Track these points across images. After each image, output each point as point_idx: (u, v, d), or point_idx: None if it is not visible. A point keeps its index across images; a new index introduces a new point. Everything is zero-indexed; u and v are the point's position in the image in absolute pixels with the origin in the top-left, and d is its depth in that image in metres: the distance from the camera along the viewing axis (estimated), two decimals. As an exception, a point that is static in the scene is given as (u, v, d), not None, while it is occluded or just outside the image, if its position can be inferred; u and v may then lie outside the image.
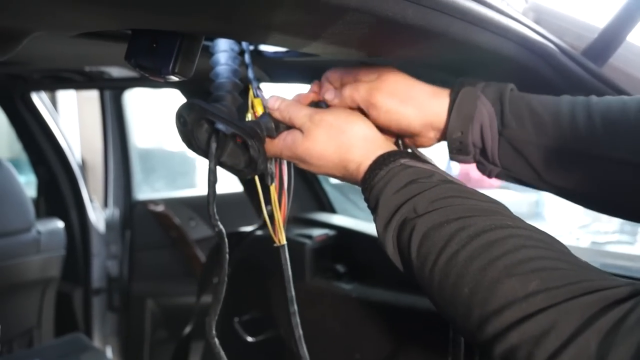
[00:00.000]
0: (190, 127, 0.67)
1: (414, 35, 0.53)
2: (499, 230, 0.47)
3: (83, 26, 0.55)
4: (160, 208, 2.39)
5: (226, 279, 0.66)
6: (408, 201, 0.54)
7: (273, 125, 0.68)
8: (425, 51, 0.64)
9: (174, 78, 0.61)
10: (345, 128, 0.65)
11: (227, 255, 0.66)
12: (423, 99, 0.67)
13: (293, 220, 1.53)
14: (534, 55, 0.68)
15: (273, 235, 0.73)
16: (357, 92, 0.68)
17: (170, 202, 2.44)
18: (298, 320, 0.75)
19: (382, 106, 0.66)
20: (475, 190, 0.55)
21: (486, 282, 0.43)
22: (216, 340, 0.65)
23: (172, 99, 3.33)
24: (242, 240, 1.49)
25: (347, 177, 0.65)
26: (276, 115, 0.69)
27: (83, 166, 2.50)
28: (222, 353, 0.67)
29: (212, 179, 0.66)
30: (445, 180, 0.56)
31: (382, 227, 0.56)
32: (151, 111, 3.60)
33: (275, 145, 0.68)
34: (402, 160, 0.59)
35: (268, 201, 0.74)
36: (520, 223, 0.50)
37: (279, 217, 0.72)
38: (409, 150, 0.71)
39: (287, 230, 1.42)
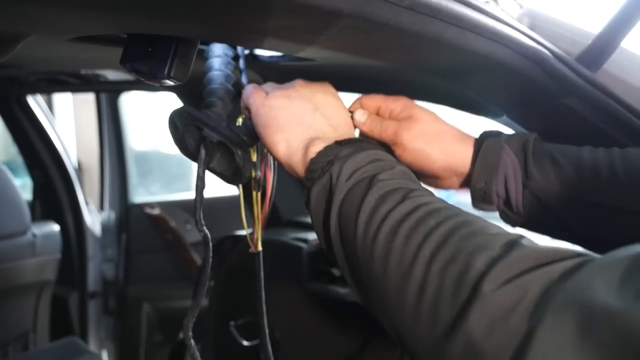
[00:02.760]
0: (181, 132, 0.67)
1: (409, 40, 0.54)
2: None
3: (78, 30, 0.55)
4: (156, 211, 2.39)
5: (208, 282, 0.66)
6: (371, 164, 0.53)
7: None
8: (420, 56, 0.65)
9: (170, 82, 0.61)
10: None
11: (211, 260, 0.66)
12: (449, 144, 0.67)
13: (289, 224, 1.53)
14: (528, 61, 0.68)
15: (250, 242, 0.74)
16: (385, 129, 0.68)
17: (166, 205, 2.44)
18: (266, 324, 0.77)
19: (407, 146, 0.67)
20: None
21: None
22: (192, 341, 0.66)
23: (168, 102, 3.33)
24: (238, 244, 1.49)
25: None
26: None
27: (79, 169, 2.50)
28: (197, 354, 0.68)
29: (200, 185, 0.67)
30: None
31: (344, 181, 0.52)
32: (147, 114, 3.60)
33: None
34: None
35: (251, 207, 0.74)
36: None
37: (259, 224, 0.73)
38: None
39: (282, 234, 1.42)
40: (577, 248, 0.65)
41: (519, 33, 0.66)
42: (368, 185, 0.50)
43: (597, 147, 0.66)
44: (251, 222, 0.75)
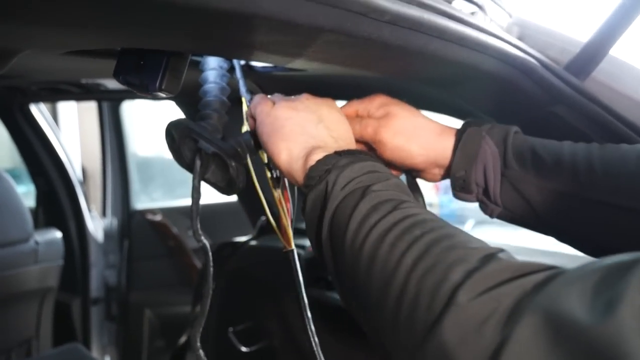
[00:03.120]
0: (178, 143, 0.68)
1: (393, 53, 0.55)
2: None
3: (71, 45, 0.57)
4: (158, 217, 2.41)
5: (211, 292, 0.67)
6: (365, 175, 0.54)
7: (253, 143, 0.70)
8: (407, 67, 0.66)
9: (162, 95, 0.62)
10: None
11: (212, 269, 0.67)
12: (428, 138, 0.69)
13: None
14: (516, 70, 0.69)
15: (282, 240, 0.75)
16: (364, 129, 0.70)
17: (168, 212, 2.45)
18: (313, 327, 0.76)
19: (387, 143, 0.68)
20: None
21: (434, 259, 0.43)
22: (201, 352, 0.66)
23: (170, 108, 3.36)
24: (237, 251, 1.49)
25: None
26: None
27: (84, 175, 2.52)
28: None
29: (196, 196, 0.68)
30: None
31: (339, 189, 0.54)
32: (150, 120, 3.62)
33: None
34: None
35: (261, 212, 0.75)
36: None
37: (288, 221, 0.73)
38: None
39: (278, 241, 1.43)
40: (553, 248, 0.65)
41: (504, 43, 0.67)
42: (361, 195, 0.51)
43: None
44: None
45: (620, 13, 0.70)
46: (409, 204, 0.50)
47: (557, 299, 0.33)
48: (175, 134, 0.69)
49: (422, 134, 0.69)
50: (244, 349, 1.42)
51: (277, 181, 0.73)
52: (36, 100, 1.99)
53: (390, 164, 0.71)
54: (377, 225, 0.48)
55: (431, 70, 0.69)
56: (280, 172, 0.65)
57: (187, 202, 2.82)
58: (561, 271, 0.37)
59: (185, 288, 2.35)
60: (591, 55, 0.75)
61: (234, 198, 2.12)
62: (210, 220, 2.48)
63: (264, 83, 1.05)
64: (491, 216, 0.69)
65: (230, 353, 1.43)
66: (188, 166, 0.71)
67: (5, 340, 1.92)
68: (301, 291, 0.76)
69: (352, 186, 0.52)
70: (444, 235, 0.45)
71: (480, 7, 0.72)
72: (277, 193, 0.73)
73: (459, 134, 0.68)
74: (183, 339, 1.75)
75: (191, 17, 0.39)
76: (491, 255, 0.41)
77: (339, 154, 0.57)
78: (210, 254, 0.67)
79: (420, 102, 0.92)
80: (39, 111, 2.12)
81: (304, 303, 0.76)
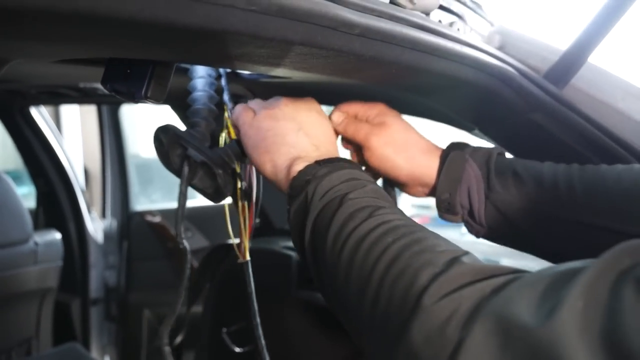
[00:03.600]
0: (166, 149, 0.70)
1: (368, 63, 0.56)
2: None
3: (58, 55, 0.59)
4: (157, 219, 2.43)
5: (184, 292, 0.69)
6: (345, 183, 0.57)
7: (241, 152, 0.71)
8: (384, 76, 0.67)
9: (147, 102, 0.64)
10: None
11: (189, 271, 0.69)
12: (415, 154, 0.71)
13: (279, 233, 1.56)
14: (494, 79, 0.71)
15: (237, 252, 0.77)
16: (357, 132, 0.72)
17: (167, 213, 2.47)
18: (261, 332, 0.79)
19: (375, 151, 0.70)
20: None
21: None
22: (167, 347, 0.69)
23: (169, 110, 3.37)
24: (231, 252, 1.51)
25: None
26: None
27: (86, 176, 2.54)
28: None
29: (182, 201, 0.70)
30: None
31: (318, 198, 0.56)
32: (149, 122, 3.64)
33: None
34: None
35: (254, 215, 0.77)
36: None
37: (246, 234, 0.75)
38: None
39: (273, 243, 1.45)
40: (527, 262, 0.67)
41: (482, 53, 0.68)
42: (339, 204, 0.53)
43: (564, 160, 0.69)
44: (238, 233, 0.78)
45: (599, 21, 0.71)
46: (384, 210, 0.52)
47: (509, 303, 0.35)
48: (164, 139, 0.71)
49: (410, 149, 0.71)
50: (237, 349, 1.44)
51: (246, 193, 0.74)
52: (36, 103, 2.02)
53: (374, 171, 0.73)
54: (353, 233, 0.50)
55: (409, 79, 0.70)
56: (268, 181, 0.66)
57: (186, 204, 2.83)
58: (519, 276, 0.38)
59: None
60: (570, 63, 0.76)
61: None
62: (209, 222, 2.51)
63: (254, 88, 1.07)
64: (477, 236, 0.71)
65: (224, 354, 1.45)
66: (175, 171, 0.73)
67: (6, 339, 1.94)
68: (252, 302, 0.80)
69: (330, 195, 0.55)
70: (414, 241, 0.47)
71: (459, 16, 0.74)
72: (243, 204, 0.75)
73: (444, 156, 0.70)
74: (179, 339, 1.77)
75: (166, 32, 0.41)
76: (456, 258, 0.43)
77: (318, 163, 0.59)
78: (189, 256, 0.69)
79: (404, 107, 0.94)
80: (39, 114, 2.15)
81: (254, 309, 0.81)
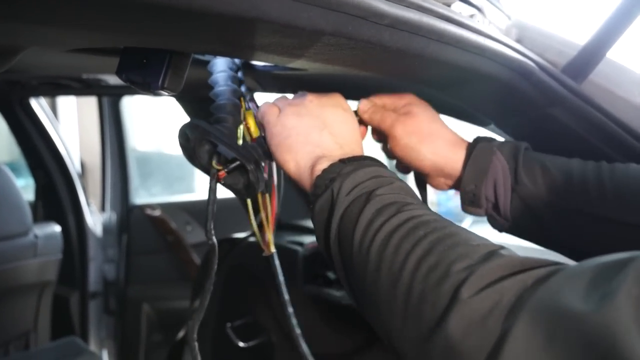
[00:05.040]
0: (193, 145, 0.69)
1: (393, 55, 0.55)
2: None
3: (74, 44, 0.57)
4: (157, 212, 2.41)
5: (212, 287, 0.68)
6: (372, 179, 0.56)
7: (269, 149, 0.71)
8: (406, 68, 0.66)
9: (164, 93, 0.63)
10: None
11: (216, 267, 0.68)
12: (441, 145, 0.70)
13: (285, 227, 1.55)
14: (513, 72, 0.70)
15: (262, 245, 0.76)
16: (384, 120, 0.72)
17: (166, 207, 2.46)
18: (295, 320, 0.78)
19: (400, 140, 0.70)
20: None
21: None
22: (196, 344, 0.68)
23: (170, 104, 3.36)
24: (235, 247, 1.50)
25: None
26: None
27: (83, 169, 2.52)
28: (199, 357, 0.70)
29: (212, 197, 0.68)
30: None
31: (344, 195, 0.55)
32: (150, 115, 3.62)
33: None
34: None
35: (256, 211, 0.76)
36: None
37: (269, 227, 0.74)
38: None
39: (278, 237, 1.44)
40: (557, 257, 0.66)
41: (502, 46, 0.67)
42: (366, 200, 0.53)
43: (582, 155, 0.68)
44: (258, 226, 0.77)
45: (618, 16, 0.71)
46: (412, 205, 0.52)
47: (555, 293, 0.35)
48: (190, 136, 0.69)
49: (435, 140, 0.70)
50: (241, 344, 1.43)
51: (267, 185, 0.73)
52: (36, 94, 1.99)
53: (398, 163, 0.73)
54: (382, 228, 0.49)
55: (430, 72, 0.69)
56: (291, 179, 0.65)
57: (185, 197, 2.82)
58: (561, 267, 0.38)
59: (183, 283, 2.36)
60: (588, 58, 0.75)
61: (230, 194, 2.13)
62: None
63: (263, 80, 1.06)
64: (500, 230, 0.70)
65: (228, 348, 1.44)
66: (203, 167, 0.71)
67: (4, 333, 1.93)
68: (283, 290, 0.80)
69: (357, 192, 0.54)
70: (446, 234, 0.46)
71: (479, 9, 0.73)
72: (261, 197, 0.74)
73: (470, 148, 0.69)
74: (181, 333, 1.76)
75: (194, 20, 0.40)
76: (493, 251, 0.43)
77: (343, 161, 0.58)
78: (217, 252, 0.68)
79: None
80: (38, 105, 2.13)
81: (285, 298, 0.81)
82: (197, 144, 0.68)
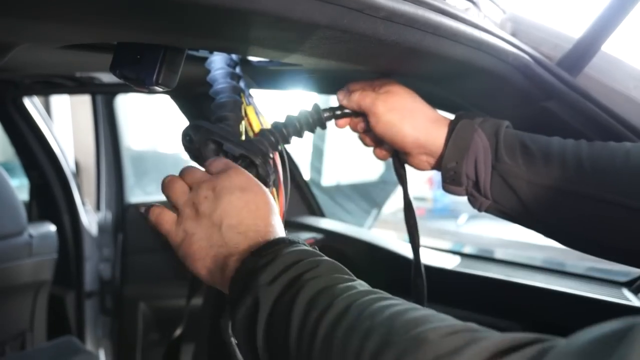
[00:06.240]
0: (197, 146, 0.69)
1: (388, 48, 0.55)
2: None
3: (68, 39, 0.57)
4: (152, 211, 2.40)
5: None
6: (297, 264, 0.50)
7: (274, 140, 0.71)
8: (401, 62, 0.66)
9: (158, 89, 0.63)
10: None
11: None
12: (422, 122, 0.70)
13: (285, 225, 1.54)
14: (509, 66, 0.70)
15: None
16: (363, 98, 0.71)
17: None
18: None
19: (381, 117, 0.70)
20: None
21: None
22: (233, 339, 0.67)
23: (164, 101, 3.35)
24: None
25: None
26: None
27: (77, 169, 2.51)
28: (238, 351, 0.66)
29: None
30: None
31: (268, 282, 0.48)
32: (144, 113, 3.61)
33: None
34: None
35: None
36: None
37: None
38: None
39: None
40: (530, 252, 0.66)
41: (498, 39, 0.67)
42: (294, 293, 0.46)
43: None
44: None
45: (612, 9, 0.71)
46: (348, 285, 0.46)
47: None
48: (194, 137, 0.69)
49: (416, 116, 0.70)
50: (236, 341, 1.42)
51: (275, 181, 0.73)
52: (30, 93, 1.98)
53: (379, 139, 0.73)
54: (320, 324, 0.43)
55: (425, 66, 0.69)
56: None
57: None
58: (549, 346, 0.33)
59: (179, 281, 2.35)
60: (583, 52, 0.76)
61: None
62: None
63: (258, 77, 1.06)
64: (480, 210, 0.71)
65: (224, 346, 1.44)
66: None
67: (0, 333, 1.92)
68: None
69: (280, 284, 0.47)
70: (398, 319, 0.40)
71: (474, 3, 0.73)
72: (271, 191, 0.74)
73: (452, 125, 0.69)
74: (178, 332, 1.75)
75: (190, 13, 0.40)
76: (462, 337, 0.36)
77: (254, 254, 0.52)
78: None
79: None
80: (32, 104, 2.11)
81: None
82: (201, 145, 0.68)
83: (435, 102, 0.93)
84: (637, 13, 0.72)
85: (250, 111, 0.73)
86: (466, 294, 1.27)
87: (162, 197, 0.63)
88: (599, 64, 0.78)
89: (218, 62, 0.74)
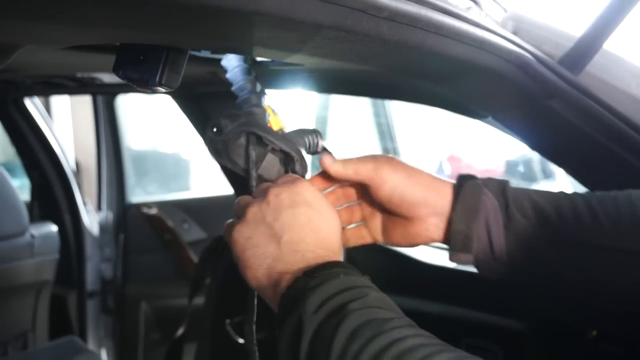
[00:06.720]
0: (226, 137, 0.67)
1: (391, 48, 0.55)
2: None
3: (71, 40, 0.57)
4: (153, 211, 2.41)
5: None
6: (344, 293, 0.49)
7: (308, 142, 0.70)
8: (404, 62, 0.66)
9: (161, 89, 0.63)
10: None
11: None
12: (427, 179, 0.64)
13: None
14: (511, 65, 0.70)
15: None
16: (363, 165, 0.63)
17: (163, 205, 2.46)
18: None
19: (388, 180, 0.62)
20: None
21: None
22: (255, 347, 0.66)
23: (165, 101, 3.34)
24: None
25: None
26: None
27: (77, 169, 2.51)
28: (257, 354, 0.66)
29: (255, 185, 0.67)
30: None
31: (313, 310, 0.48)
32: (145, 113, 3.61)
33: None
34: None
35: None
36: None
37: None
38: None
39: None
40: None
41: (500, 38, 0.67)
42: (338, 320, 0.46)
43: (580, 146, 0.67)
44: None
45: (614, 8, 0.71)
46: (393, 323, 0.46)
47: None
48: (225, 128, 0.67)
49: (420, 174, 0.64)
50: (240, 340, 1.43)
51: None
52: (30, 94, 1.98)
53: (383, 208, 0.66)
54: (360, 356, 0.43)
55: (427, 66, 0.69)
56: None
57: (181, 195, 2.81)
58: None
59: (180, 281, 2.35)
60: (585, 50, 0.76)
61: (230, 191, 2.13)
62: (205, 214, 2.49)
63: (260, 76, 1.06)
64: (495, 277, 0.65)
65: (227, 345, 1.44)
66: (229, 160, 0.68)
67: (2, 333, 1.92)
68: None
69: (326, 309, 0.47)
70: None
71: (475, 2, 0.73)
72: None
73: (457, 186, 0.64)
74: (180, 331, 1.76)
75: (193, 14, 0.40)
76: None
77: (307, 274, 0.51)
78: None
79: (416, 96, 0.93)
80: (33, 105, 2.12)
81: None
82: (232, 137, 0.66)
83: (436, 102, 0.93)
84: (638, 10, 0.72)
85: (268, 110, 0.73)
86: (466, 292, 1.27)
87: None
88: (601, 62, 0.78)
89: (235, 60, 0.74)
